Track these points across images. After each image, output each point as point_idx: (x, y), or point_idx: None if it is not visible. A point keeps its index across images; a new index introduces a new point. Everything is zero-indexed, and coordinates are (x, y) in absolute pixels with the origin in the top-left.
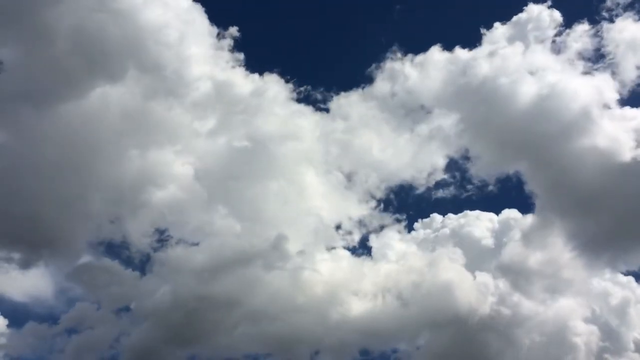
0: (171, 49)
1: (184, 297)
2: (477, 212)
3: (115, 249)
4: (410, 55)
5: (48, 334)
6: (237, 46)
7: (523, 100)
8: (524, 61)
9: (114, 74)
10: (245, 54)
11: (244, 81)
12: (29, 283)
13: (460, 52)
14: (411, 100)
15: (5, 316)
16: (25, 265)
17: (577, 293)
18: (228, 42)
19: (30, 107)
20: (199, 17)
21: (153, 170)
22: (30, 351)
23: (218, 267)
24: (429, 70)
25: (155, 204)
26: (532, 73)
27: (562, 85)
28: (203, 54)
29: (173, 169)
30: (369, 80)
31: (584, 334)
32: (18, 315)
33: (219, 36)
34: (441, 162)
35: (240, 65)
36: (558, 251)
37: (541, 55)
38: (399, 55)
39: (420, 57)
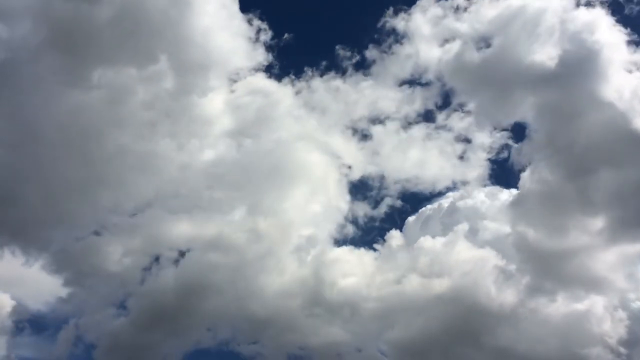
0: (204, 44)
1: (179, 281)
2: (489, 189)
3: (110, 237)
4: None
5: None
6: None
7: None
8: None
9: (143, 63)
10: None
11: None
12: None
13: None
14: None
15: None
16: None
17: (604, 280)
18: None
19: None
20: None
21: (158, 164)
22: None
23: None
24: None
25: (156, 197)
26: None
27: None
28: (239, 53)
29: (179, 162)
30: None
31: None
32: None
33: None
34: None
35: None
36: (580, 234)
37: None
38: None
39: None
